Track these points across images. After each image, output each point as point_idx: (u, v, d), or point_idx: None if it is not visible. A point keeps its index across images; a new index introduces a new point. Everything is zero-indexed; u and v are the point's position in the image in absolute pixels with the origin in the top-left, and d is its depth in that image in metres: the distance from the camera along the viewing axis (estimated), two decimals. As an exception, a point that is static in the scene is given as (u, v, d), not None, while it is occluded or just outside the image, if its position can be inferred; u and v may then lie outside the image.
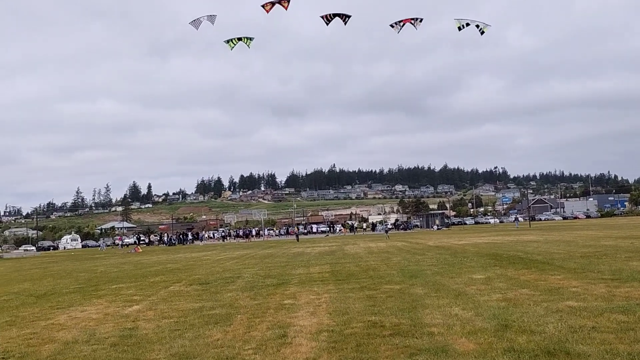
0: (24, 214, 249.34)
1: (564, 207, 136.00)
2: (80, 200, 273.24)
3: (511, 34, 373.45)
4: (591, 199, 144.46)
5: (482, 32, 17.72)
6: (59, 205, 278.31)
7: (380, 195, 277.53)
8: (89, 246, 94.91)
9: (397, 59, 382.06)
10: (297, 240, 54.99)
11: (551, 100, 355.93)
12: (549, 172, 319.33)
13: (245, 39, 17.15)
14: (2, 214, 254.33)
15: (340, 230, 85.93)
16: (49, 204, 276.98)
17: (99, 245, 77.95)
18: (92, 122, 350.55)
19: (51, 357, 6.75)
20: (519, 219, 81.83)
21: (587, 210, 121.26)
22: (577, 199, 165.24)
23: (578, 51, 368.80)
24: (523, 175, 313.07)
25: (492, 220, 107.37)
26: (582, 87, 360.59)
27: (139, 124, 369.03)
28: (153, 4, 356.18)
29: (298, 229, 77.24)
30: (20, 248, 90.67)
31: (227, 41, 17.19)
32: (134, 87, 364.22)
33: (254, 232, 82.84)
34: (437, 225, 76.26)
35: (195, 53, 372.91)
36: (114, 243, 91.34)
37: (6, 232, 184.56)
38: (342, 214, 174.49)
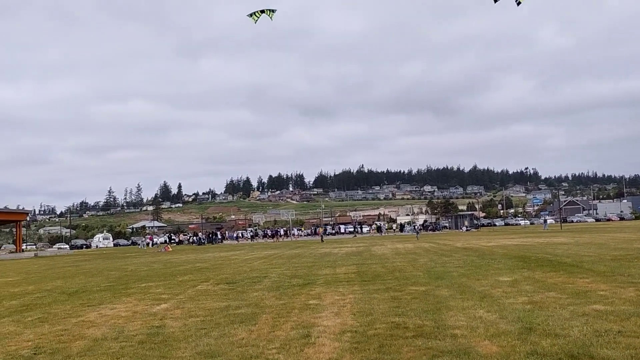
0: (58, 212, 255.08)
1: (596, 209, 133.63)
2: (112, 199, 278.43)
3: (543, 33, 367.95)
4: (625, 201, 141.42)
5: (519, 3, 17.25)
6: (92, 204, 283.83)
7: (408, 196, 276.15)
8: (120, 245, 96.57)
9: (427, 59, 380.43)
10: (322, 240, 54.86)
11: (584, 100, 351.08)
12: (582, 173, 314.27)
13: (268, 11, 17.13)
14: (37, 212, 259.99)
15: (369, 230, 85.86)
16: (81, 203, 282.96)
17: (139, 244, 78.77)
18: (124, 122, 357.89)
19: (81, 353, 6.93)
20: (548, 220, 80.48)
21: (621, 212, 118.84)
22: (611, 200, 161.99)
23: (611, 50, 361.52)
24: (554, 176, 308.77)
25: (522, 222, 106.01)
26: (616, 86, 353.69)
27: (170, 124, 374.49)
28: (185, 5, 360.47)
29: (325, 230, 76.88)
30: (54, 246, 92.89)
31: (250, 15, 17.17)
32: (165, 87, 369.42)
33: (281, 232, 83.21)
34: (466, 227, 75.60)
35: (225, 54, 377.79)
36: (135, 242, 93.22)
37: (41, 231, 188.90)
38: (370, 215, 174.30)
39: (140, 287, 14.93)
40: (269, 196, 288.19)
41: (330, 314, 8.72)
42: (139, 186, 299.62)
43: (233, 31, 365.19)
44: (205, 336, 7.52)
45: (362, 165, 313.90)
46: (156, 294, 13.00)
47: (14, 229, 69.81)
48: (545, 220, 77.35)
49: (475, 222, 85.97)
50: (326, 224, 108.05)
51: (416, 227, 65.06)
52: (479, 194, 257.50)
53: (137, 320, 9.20)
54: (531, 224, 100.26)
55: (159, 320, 9.06)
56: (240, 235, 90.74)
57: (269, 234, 79.98)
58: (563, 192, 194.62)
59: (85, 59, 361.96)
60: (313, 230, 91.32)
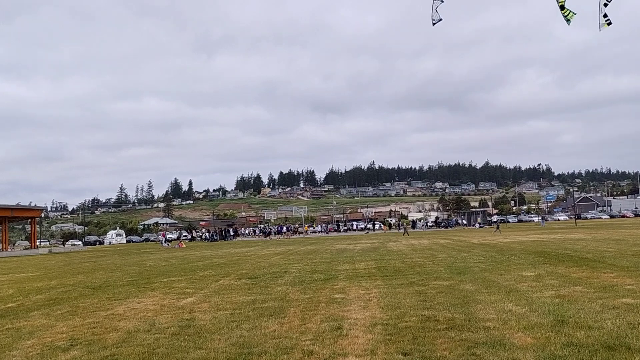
0: (70, 209, 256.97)
1: (610, 205, 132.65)
2: (123, 196, 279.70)
3: (560, 28, 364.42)
4: (639, 197, 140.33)
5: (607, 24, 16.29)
6: (103, 201, 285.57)
7: (419, 193, 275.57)
8: (133, 241, 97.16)
9: (442, 55, 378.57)
10: (406, 233, 52.93)
11: (600, 96, 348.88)
12: (595, 169, 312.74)
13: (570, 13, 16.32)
14: (49, 209, 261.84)
15: (380, 227, 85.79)
16: (93, 199, 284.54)
17: (160, 240, 75.09)
18: (138, 120, 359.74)
19: (117, 344, 7.03)
20: (547, 218, 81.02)
21: (636, 208, 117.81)
22: (625, 197, 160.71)
23: (629, 45, 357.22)
24: (568, 173, 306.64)
25: (535, 219, 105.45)
26: (632, 81, 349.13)
27: (183, 121, 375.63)
28: (200, 2, 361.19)
29: (403, 224, 74.35)
30: (67, 243, 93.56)
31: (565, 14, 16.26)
32: (179, 85, 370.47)
33: (291, 229, 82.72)
34: (479, 223, 75.38)
35: (240, 50, 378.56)
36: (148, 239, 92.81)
37: (53, 227, 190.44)
38: (381, 211, 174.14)
39: (162, 281, 15.08)
40: (279, 193, 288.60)
41: (358, 308, 8.77)
42: (150, 183, 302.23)
43: (248, 27, 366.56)
44: (237, 328, 7.60)
45: (373, 162, 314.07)
46: (180, 288, 13.12)
47: (26, 226, 70.30)
48: (543, 218, 78.74)
49: (489, 218, 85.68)
50: (337, 220, 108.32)
51: (494, 220, 63.33)
52: (491, 191, 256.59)
53: (166, 313, 9.31)
54: (545, 220, 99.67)
55: (188, 313, 9.16)
56: (252, 232, 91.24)
57: (284, 231, 79.69)
58: (576, 189, 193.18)
59: (101, 57, 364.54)
60: (325, 227, 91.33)
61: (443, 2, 16.34)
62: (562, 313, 7.37)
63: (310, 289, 11.42)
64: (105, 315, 9.40)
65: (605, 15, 15.99)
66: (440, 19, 16.62)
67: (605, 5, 15.97)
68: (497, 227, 48.75)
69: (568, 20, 16.20)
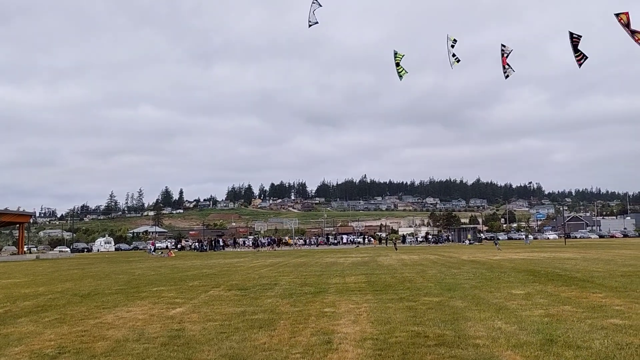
0: (59, 215, 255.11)
1: (600, 225, 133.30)
2: (113, 203, 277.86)
3: (556, 48, 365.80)
4: (629, 218, 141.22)
5: (458, 60, 17.90)
6: (93, 208, 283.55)
7: (410, 208, 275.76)
8: (122, 249, 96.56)
9: (438, 70, 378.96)
10: (394, 248, 53.75)
11: (592, 116, 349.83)
12: (586, 188, 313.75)
13: (402, 71, 17.39)
14: (38, 215, 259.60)
15: (371, 241, 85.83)
16: (82, 206, 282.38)
17: (148, 249, 71.83)
18: (132, 127, 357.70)
19: (105, 353, 7.00)
20: (551, 236, 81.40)
21: (625, 229, 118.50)
22: (614, 217, 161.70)
23: (622, 67, 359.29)
24: (558, 192, 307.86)
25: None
26: (625, 103, 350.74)
27: (177, 130, 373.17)
28: (201, 10, 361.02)
29: (393, 239, 74.13)
30: (55, 249, 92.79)
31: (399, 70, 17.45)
32: (175, 93, 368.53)
33: (264, 241, 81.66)
34: (469, 240, 75.58)
35: (237, 60, 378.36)
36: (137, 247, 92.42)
37: (41, 233, 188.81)
38: (372, 225, 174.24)
39: (151, 290, 15.01)
40: (270, 204, 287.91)
41: (348, 322, 8.78)
42: (141, 191, 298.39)
43: (247, 38, 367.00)
44: (227, 340, 7.59)
45: (365, 176, 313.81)
46: (169, 297, 13.07)
47: (14, 231, 69.61)
48: (526, 236, 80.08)
49: (479, 235, 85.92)
50: (327, 234, 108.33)
51: (495, 239, 64.23)
52: (481, 208, 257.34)
53: (155, 323, 9.26)
54: (535, 238, 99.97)
55: (178, 323, 9.13)
56: (242, 243, 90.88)
57: (270, 242, 79.33)
58: (566, 208, 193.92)
59: (98, 63, 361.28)
60: (316, 240, 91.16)
61: (321, 6, 16.96)
62: (551, 332, 7.42)
63: (301, 302, 11.41)
64: (94, 324, 9.34)
65: (454, 55, 17.35)
66: (317, 22, 17.29)
67: (452, 46, 17.26)
68: (496, 244, 49.78)
69: (400, 77, 17.24)
